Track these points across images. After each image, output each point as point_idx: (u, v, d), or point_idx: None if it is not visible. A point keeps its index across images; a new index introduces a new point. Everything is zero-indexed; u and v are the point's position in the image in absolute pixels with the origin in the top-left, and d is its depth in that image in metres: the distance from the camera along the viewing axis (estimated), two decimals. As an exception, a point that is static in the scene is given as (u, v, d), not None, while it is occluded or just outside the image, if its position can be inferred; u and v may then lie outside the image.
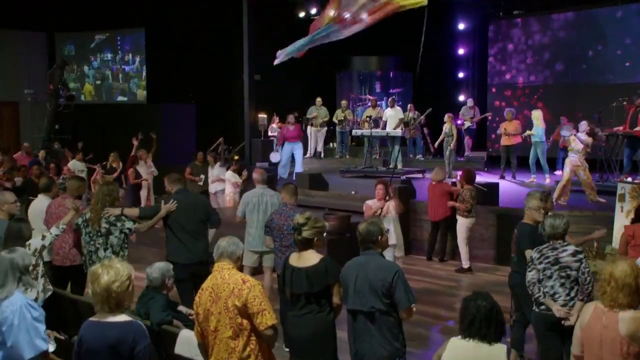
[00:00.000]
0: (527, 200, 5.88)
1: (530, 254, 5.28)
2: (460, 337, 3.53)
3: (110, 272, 3.43)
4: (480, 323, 3.44)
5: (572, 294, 4.97)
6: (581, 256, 5.02)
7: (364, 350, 4.28)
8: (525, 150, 14.03)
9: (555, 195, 10.36)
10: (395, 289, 4.19)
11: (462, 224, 9.50)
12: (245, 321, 3.86)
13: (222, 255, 4.09)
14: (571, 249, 5.04)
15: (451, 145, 14.18)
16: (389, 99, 15.62)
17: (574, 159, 10.59)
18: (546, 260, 5.06)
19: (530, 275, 5.15)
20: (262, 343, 3.94)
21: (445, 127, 14.38)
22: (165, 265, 5.53)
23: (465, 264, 9.57)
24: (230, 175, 12.31)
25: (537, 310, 5.14)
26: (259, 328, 3.86)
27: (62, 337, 4.99)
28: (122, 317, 3.49)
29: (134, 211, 6.76)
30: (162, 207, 6.54)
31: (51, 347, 4.38)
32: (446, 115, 14.52)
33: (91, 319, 3.55)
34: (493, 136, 17.49)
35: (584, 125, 11.07)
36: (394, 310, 4.25)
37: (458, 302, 8.16)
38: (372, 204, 8.13)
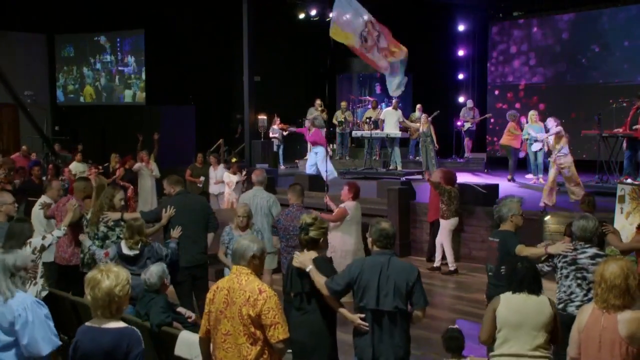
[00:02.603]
0: (508, 207, 5.46)
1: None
2: (510, 293, 4.23)
3: (111, 276, 3.40)
4: (529, 280, 4.21)
5: (590, 295, 4.86)
6: (600, 260, 4.94)
7: (382, 352, 4.27)
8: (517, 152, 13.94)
9: (543, 197, 10.40)
10: (415, 289, 4.25)
11: (444, 226, 9.54)
12: (258, 331, 3.79)
13: (239, 256, 3.93)
14: (591, 251, 4.98)
15: (432, 146, 13.96)
16: (393, 101, 15.58)
17: (559, 159, 10.55)
18: (564, 259, 5.04)
19: (545, 269, 5.13)
20: (273, 353, 3.87)
21: (423, 127, 14.03)
22: (160, 266, 5.51)
23: (452, 265, 9.59)
24: (226, 176, 12.32)
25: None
26: (271, 340, 3.79)
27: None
28: (119, 324, 3.47)
29: (135, 216, 6.75)
30: (163, 215, 6.55)
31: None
32: (423, 116, 14.29)
33: (87, 323, 3.52)
34: (495, 139, 17.47)
35: (550, 121, 11.08)
36: (408, 312, 4.31)
37: (456, 303, 8.23)
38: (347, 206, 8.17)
